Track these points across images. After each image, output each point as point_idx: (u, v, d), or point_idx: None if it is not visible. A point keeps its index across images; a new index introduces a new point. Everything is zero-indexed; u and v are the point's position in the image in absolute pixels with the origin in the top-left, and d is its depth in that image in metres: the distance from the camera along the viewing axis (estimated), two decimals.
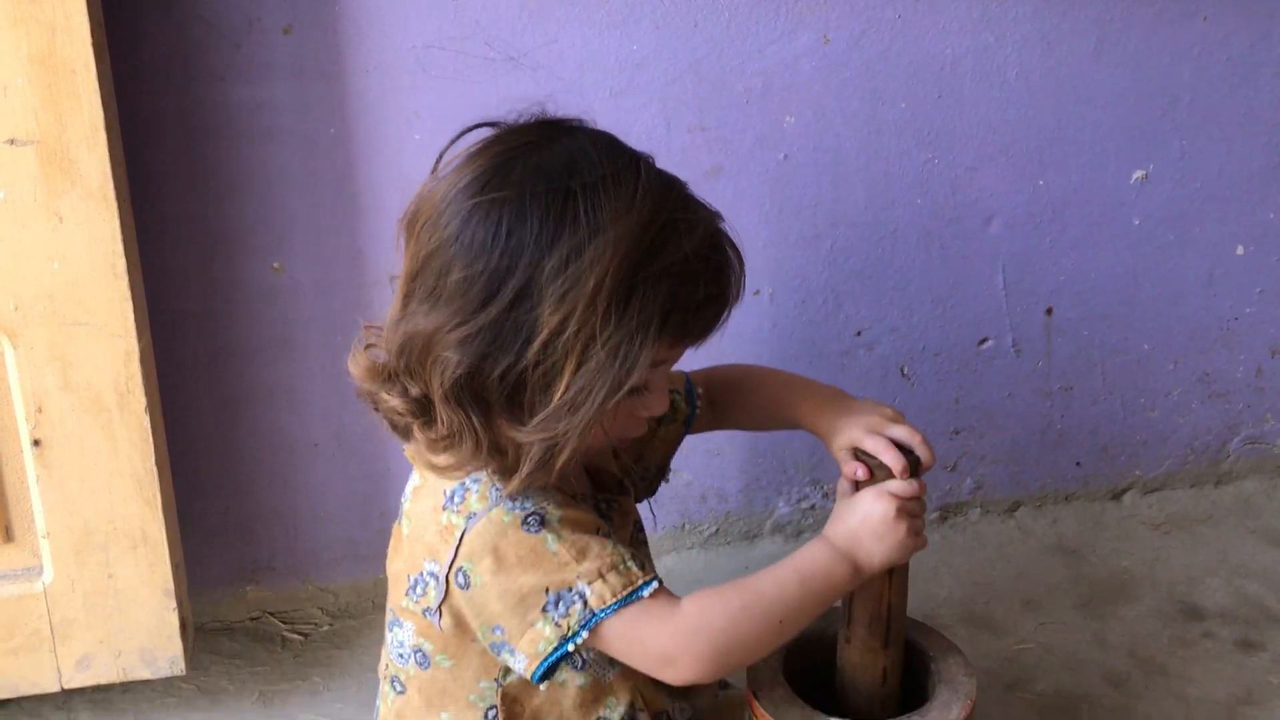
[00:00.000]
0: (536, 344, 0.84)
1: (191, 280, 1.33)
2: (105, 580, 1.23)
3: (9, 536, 1.22)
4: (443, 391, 0.87)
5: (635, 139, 1.38)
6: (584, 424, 0.86)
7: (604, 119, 1.37)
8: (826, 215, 1.46)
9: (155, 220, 1.28)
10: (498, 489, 0.92)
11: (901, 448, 0.99)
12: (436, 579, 0.93)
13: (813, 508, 1.61)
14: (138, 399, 1.18)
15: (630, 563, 0.92)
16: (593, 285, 0.83)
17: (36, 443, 1.18)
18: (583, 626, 0.90)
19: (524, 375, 0.86)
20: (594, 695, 1.01)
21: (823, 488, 1.60)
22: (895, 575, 1.00)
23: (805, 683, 1.02)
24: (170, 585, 1.25)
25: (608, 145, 0.90)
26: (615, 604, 0.90)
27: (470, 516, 0.92)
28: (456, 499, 0.93)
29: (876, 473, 0.99)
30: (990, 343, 1.58)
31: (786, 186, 1.44)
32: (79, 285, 1.14)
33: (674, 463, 1.54)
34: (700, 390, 1.17)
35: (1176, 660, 1.39)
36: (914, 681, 1.06)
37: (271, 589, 1.49)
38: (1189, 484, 1.72)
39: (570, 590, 0.90)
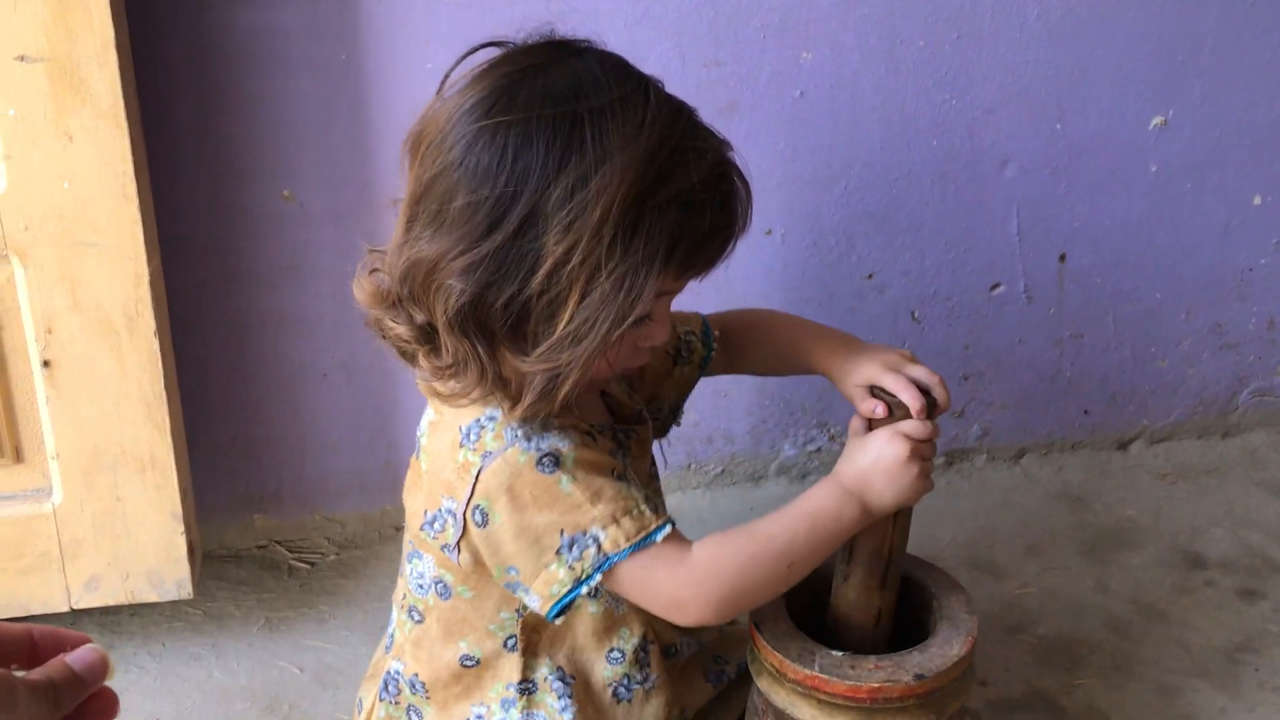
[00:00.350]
0: (541, 273, 0.83)
1: (201, 204, 1.32)
2: (114, 502, 1.24)
3: (19, 457, 1.23)
4: (446, 320, 0.86)
5: (648, 72, 1.37)
6: (587, 355, 0.85)
7: (616, 49, 1.36)
8: (841, 155, 1.45)
9: (165, 143, 1.28)
10: (513, 428, 0.91)
11: (919, 388, 0.99)
12: (454, 516, 0.93)
13: (819, 450, 1.61)
14: (147, 322, 1.18)
15: (644, 506, 0.92)
16: (599, 215, 0.82)
17: (46, 364, 1.18)
18: (596, 570, 0.90)
19: (528, 305, 0.85)
20: (607, 625, 1.02)
21: (829, 430, 1.60)
22: (899, 517, 0.99)
23: (807, 618, 1.03)
24: (178, 509, 1.26)
25: (616, 68, 0.88)
26: (629, 548, 0.90)
27: (486, 455, 0.91)
28: (473, 436, 0.93)
29: (895, 411, 0.98)
30: (1002, 288, 1.57)
31: (801, 124, 1.42)
32: (89, 206, 1.14)
33: None
34: (716, 333, 1.16)
35: (1177, 607, 1.40)
36: (915, 618, 1.07)
37: (279, 518, 1.50)
38: (1196, 435, 1.72)
39: (584, 534, 0.90)
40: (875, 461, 0.95)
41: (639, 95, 0.86)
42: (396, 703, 1.06)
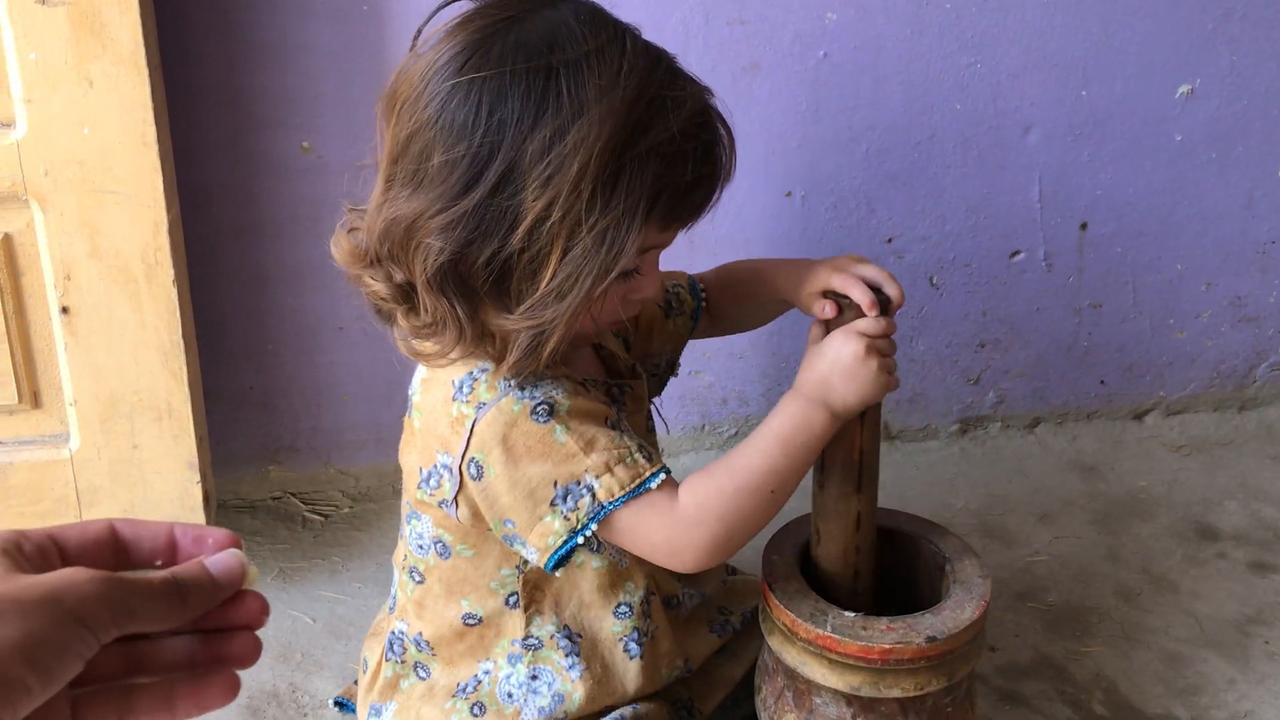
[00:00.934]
0: (521, 230, 0.82)
1: (219, 153, 1.32)
2: (130, 450, 1.25)
3: (37, 403, 1.23)
4: (425, 278, 0.85)
5: (671, 30, 1.36)
6: (571, 311, 0.84)
7: (640, 7, 1.35)
8: (864, 117, 1.44)
9: (184, 90, 1.27)
10: (506, 379, 0.91)
11: (870, 287, 0.98)
12: (450, 471, 0.93)
13: None
14: (165, 270, 1.18)
15: (637, 455, 0.91)
16: (577, 169, 0.81)
17: (65, 310, 1.18)
18: (591, 519, 0.90)
19: (510, 262, 0.84)
20: (612, 580, 1.02)
21: None
22: (867, 419, 0.99)
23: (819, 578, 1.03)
24: (194, 458, 1.26)
25: (591, 17, 0.86)
26: (623, 496, 0.90)
27: (480, 406, 0.91)
28: (465, 389, 0.92)
29: (845, 311, 0.98)
30: (1022, 255, 1.56)
31: (824, 86, 1.41)
32: (109, 153, 1.13)
33: (698, 365, 1.55)
34: (702, 286, 1.16)
35: (1188, 578, 1.40)
36: (928, 582, 1.07)
37: (293, 470, 1.51)
38: (1212, 407, 1.71)
39: (579, 484, 0.90)
40: (833, 364, 0.94)
41: (615, 45, 0.84)
42: (403, 661, 1.07)
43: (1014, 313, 1.59)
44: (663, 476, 0.92)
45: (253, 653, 0.54)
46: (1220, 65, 1.49)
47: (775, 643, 1.00)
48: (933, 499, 1.54)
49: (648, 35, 1.34)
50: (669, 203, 0.85)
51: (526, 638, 1.01)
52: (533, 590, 1.01)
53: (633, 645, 1.03)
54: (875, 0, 1.38)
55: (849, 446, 0.99)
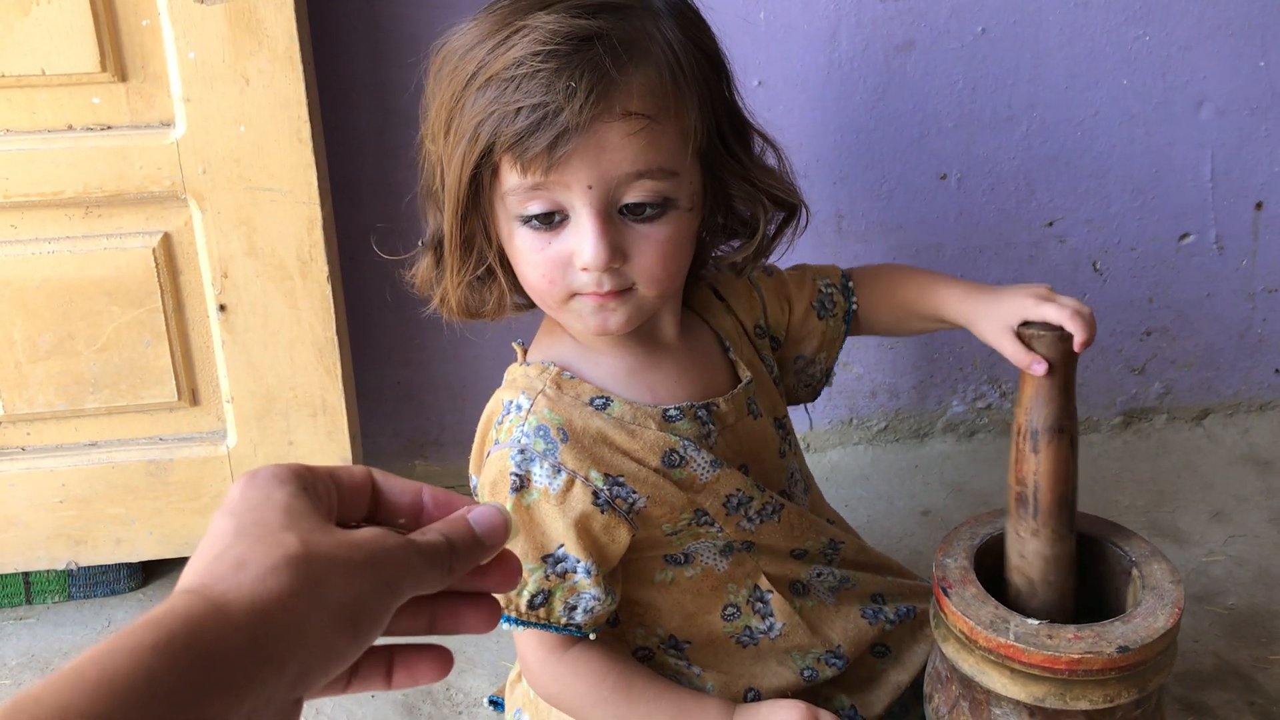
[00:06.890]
0: (427, 169, 0.92)
1: (368, 148, 1.32)
2: (286, 446, 1.25)
3: (195, 400, 1.25)
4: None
5: (822, 9, 1.31)
6: (453, 234, 0.89)
7: None
8: (1023, 95, 1.37)
9: (335, 83, 1.27)
10: (525, 430, 0.92)
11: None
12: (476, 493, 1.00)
13: (989, 407, 1.54)
14: (320, 267, 1.18)
15: (556, 601, 0.92)
16: (436, 106, 0.87)
17: (222, 308, 1.19)
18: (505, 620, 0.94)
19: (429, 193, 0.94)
20: (713, 585, 1.00)
21: (1000, 387, 1.54)
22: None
23: (994, 584, 0.98)
24: (348, 454, 1.26)
25: None
26: (514, 620, 0.94)
27: (496, 444, 0.94)
28: (500, 418, 0.95)
29: (1059, 342, 0.91)
30: (1191, 238, 1.47)
31: (982, 63, 1.35)
32: (264, 150, 1.13)
33: (847, 357, 1.50)
34: (853, 286, 1.10)
35: None
36: (1112, 587, 1.01)
37: (440, 463, 1.50)
38: None
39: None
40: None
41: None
42: None
43: (1182, 299, 1.51)
44: (553, 631, 0.93)
45: (489, 611, 0.52)
46: None
47: (950, 650, 0.95)
48: (1097, 495, 1.47)
49: (797, 16, 1.30)
50: (503, 129, 0.82)
51: (636, 650, 1.00)
52: (620, 609, 0.99)
53: (746, 638, 1.01)
54: None
55: (1065, 483, 0.94)
